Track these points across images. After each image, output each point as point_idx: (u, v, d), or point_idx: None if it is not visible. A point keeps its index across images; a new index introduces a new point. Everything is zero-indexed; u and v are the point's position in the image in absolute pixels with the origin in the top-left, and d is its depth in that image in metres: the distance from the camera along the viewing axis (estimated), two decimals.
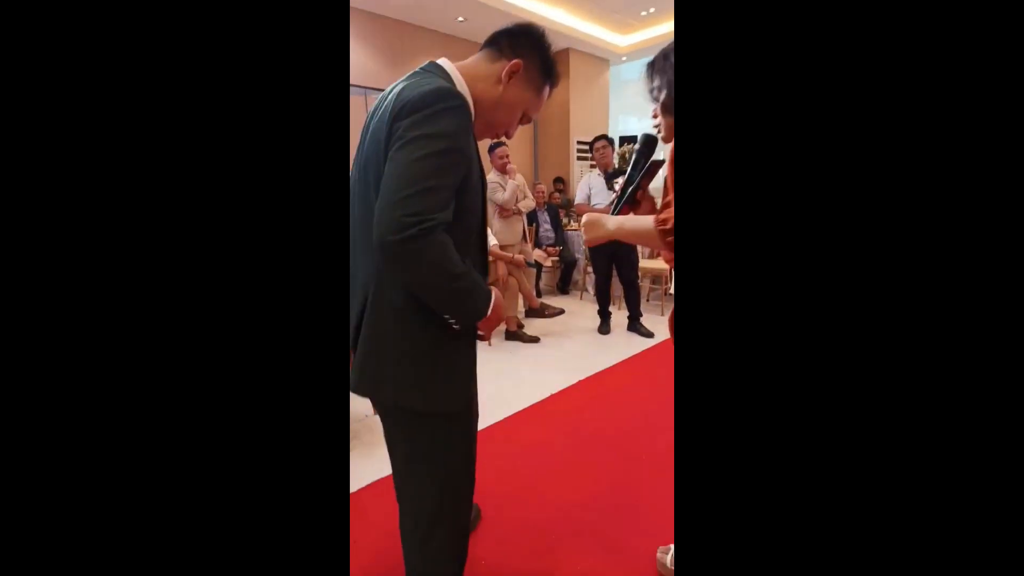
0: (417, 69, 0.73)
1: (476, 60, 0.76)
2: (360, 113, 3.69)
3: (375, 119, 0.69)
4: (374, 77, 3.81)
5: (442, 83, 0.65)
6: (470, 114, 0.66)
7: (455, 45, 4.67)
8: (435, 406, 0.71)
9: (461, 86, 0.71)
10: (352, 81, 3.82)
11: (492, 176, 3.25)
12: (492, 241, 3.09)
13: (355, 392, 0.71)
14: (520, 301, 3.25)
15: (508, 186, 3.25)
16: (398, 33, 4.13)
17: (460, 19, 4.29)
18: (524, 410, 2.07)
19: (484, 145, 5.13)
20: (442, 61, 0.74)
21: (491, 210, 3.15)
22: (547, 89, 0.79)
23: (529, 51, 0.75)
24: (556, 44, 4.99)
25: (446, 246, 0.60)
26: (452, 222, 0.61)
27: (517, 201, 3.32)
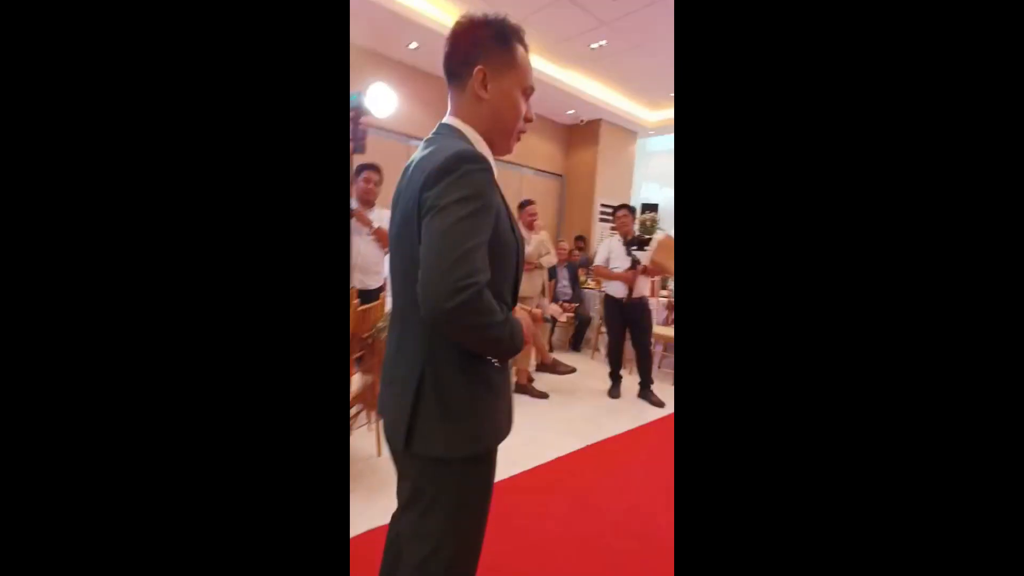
0: (431, 135, 0.76)
1: (458, 99, 0.75)
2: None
3: (404, 189, 0.71)
4: (427, 130, 4.09)
5: (460, 145, 0.67)
6: (492, 171, 0.67)
7: None
8: (484, 445, 0.73)
9: (475, 139, 0.73)
10: (409, 132, 4.16)
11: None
12: None
13: (405, 451, 0.71)
14: (533, 355, 3.22)
15: (532, 241, 3.35)
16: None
17: None
18: (527, 472, 2.00)
19: (514, 201, 5.31)
20: (451, 120, 0.75)
21: None
22: (519, 50, 0.75)
23: (477, 50, 0.72)
24: (589, 115, 5.35)
25: (490, 302, 0.62)
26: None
27: (539, 256, 3.39)
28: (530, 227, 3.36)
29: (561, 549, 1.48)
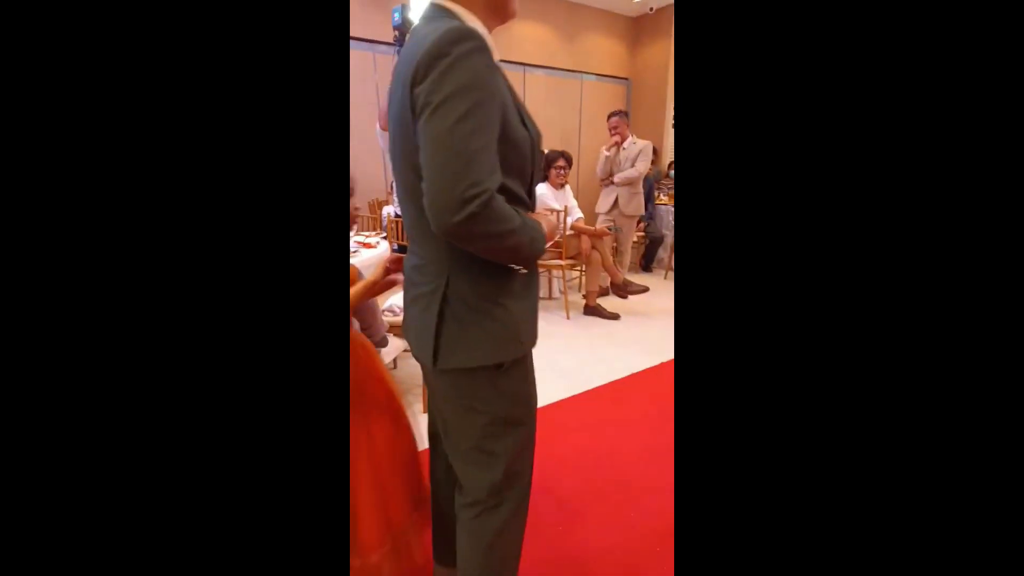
0: (421, 19, 0.66)
1: None
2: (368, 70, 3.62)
3: (394, 88, 0.64)
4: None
5: (449, 24, 0.57)
6: (489, 50, 0.58)
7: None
8: (511, 352, 0.72)
9: (469, 18, 0.63)
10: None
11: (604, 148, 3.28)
12: (578, 215, 3.03)
13: (440, 366, 0.70)
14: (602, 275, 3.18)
15: (600, 157, 3.20)
16: None
17: None
18: (601, 387, 2.06)
19: (573, 114, 4.93)
20: (439, 0, 0.64)
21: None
22: None
23: None
24: (659, 0, 4.64)
25: (503, 208, 0.58)
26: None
27: (611, 172, 3.24)
28: (614, 140, 3.21)
29: (627, 455, 1.55)
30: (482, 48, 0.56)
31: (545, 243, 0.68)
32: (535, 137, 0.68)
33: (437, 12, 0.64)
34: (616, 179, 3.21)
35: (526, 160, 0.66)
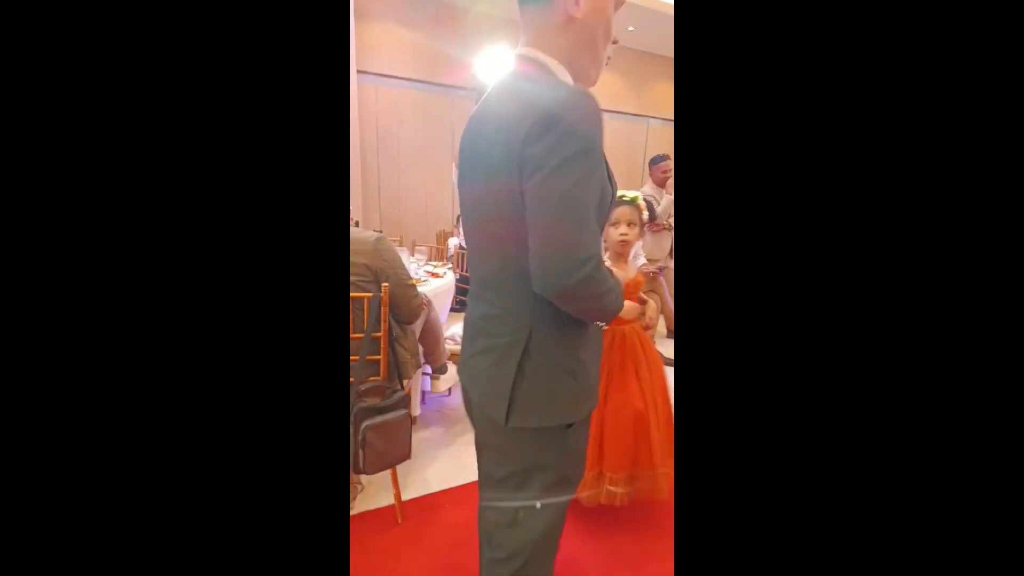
0: (514, 72, 0.65)
1: (539, 21, 0.63)
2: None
3: (490, 141, 0.61)
4: None
5: (562, 86, 0.59)
6: (600, 113, 0.58)
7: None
8: (583, 410, 0.71)
9: (563, 75, 0.64)
10: None
11: (647, 189, 3.23)
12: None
13: (512, 423, 0.67)
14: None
15: (663, 201, 3.16)
16: None
17: (630, 28, 4.25)
18: None
19: (640, 157, 4.97)
20: (530, 52, 0.64)
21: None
22: None
23: None
24: None
25: (607, 270, 0.60)
26: None
27: (669, 216, 3.19)
28: (662, 184, 3.18)
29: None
30: (597, 111, 0.57)
31: (623, 299, 0.68)
32: (615, 189, 0.68)
33: (534, 67, 0.64)
34: (672, 223, 3.18)
35: (605, 213, 0.65)
